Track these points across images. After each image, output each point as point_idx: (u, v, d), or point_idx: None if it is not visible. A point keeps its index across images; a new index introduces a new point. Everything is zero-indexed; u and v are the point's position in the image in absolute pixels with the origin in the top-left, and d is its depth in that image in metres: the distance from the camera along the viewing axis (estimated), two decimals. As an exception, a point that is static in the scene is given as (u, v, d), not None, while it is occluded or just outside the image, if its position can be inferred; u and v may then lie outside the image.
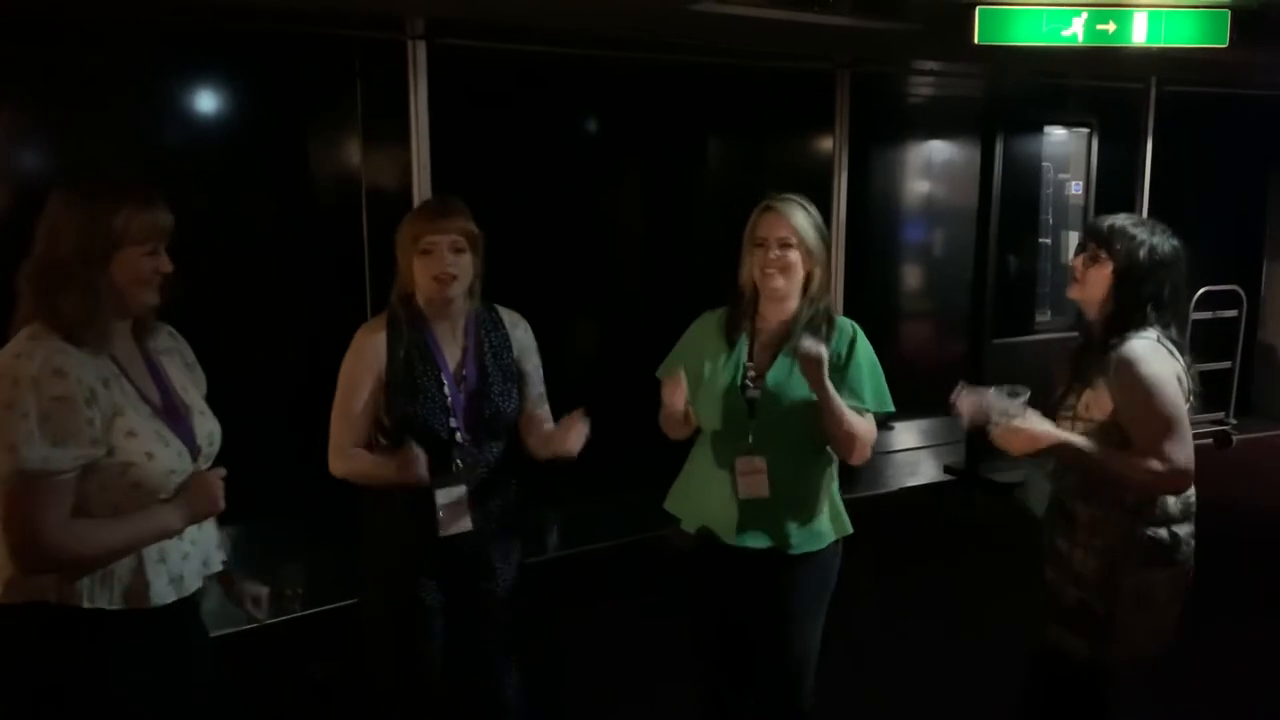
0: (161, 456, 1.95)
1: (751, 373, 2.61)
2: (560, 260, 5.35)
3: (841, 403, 2.52)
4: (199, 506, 2.01)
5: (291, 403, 4.40)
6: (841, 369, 2.59)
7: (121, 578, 1.94)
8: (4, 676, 1.92)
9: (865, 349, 2.63)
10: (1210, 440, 6.94)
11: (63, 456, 1.82)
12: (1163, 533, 2.44)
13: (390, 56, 4.57)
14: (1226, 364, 7.00)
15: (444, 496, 2.48)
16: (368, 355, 2.51)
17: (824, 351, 2.45)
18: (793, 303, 2.62)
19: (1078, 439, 2.41)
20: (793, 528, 2.61)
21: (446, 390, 2.50)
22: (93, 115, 4.32)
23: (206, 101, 4.75)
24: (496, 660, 2.71)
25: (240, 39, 4.51)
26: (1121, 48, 4.56)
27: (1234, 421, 7.07)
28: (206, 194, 4.60)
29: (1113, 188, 7.10)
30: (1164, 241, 2.44)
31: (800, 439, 2.59)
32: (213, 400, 2.25)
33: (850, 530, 2.71)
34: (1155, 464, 2.34)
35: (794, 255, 2.56)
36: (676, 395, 2.52)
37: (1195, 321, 6.74)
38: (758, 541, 2.61)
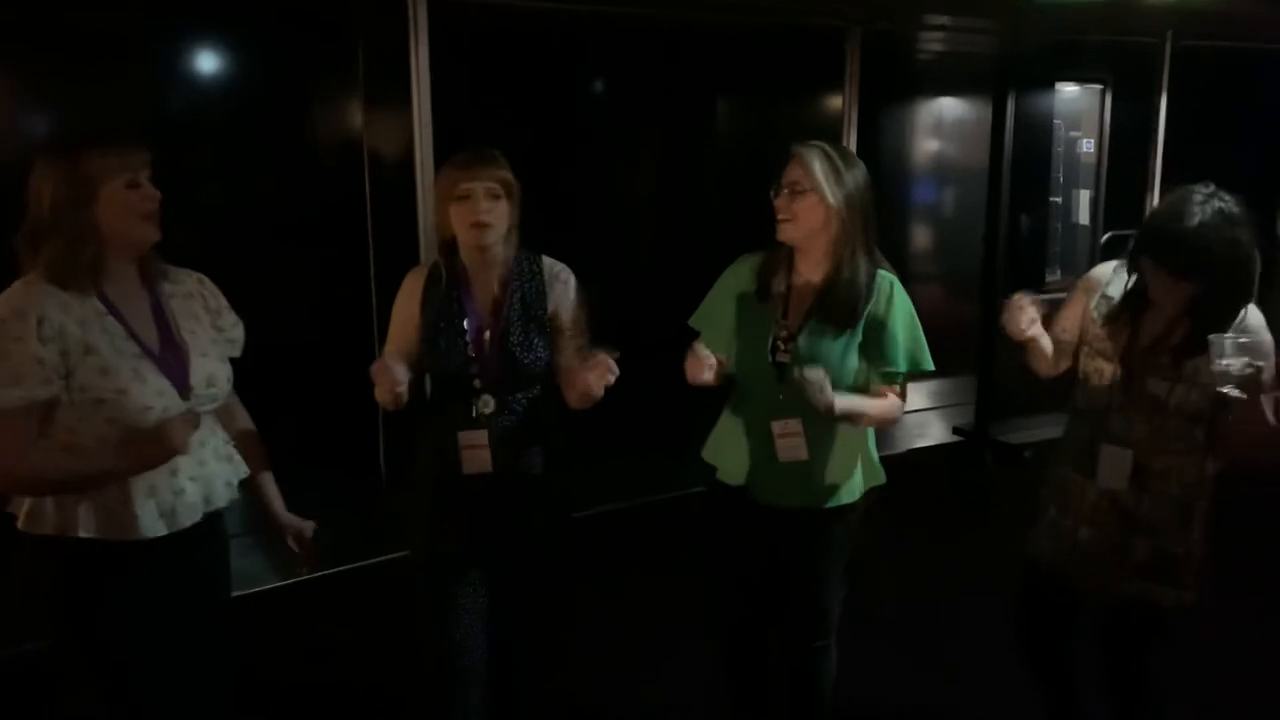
0: (136, 394, 2.07)
1: (784, 333, 2.55)
2: (566, 219, 5.29)
3: (858, 405, 2.48)
4: (150, 450, 2.08)
5: (296, 363, 4.38)
6: (874, 336, 2.52)
7: (111, 510, 2.09)
8: (31, 598, 2.14)
9: (902, 307, 2.55)
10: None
11: (8, 395, 1.98)
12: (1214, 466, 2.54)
13: (391, 14, 4.48)
14: (1239, 323, 6.92)
15: (465, 438, 2.52)
16: (405, 297, 2.61)
17: (821, 377, 2.38)
18: (819, 258, 2.53)
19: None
20: (827, 484, 2.60)
21: (469, 339, 2.52)
22: (92, 80, 4.25)
23: (206, 63, 4.68)
24: (529, 614, 2.71)
25: (239, 1, 4.44)
26: (1138, 0, 4.46)
27: (1246, 381, 7.01)
28: (207, 157, 4.55)
29: (1125, 146, 6.99)
30: (1242, 233, 2.30)
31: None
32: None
33: (883, 480, 2.71)
34: None
35: (803, 202, 2.47)
36: (699, 372, 2.46)
37: (1208, 281, 6.66)
38: (791, 500, 2.60)
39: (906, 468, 5.38)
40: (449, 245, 2.58)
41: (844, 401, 2.44)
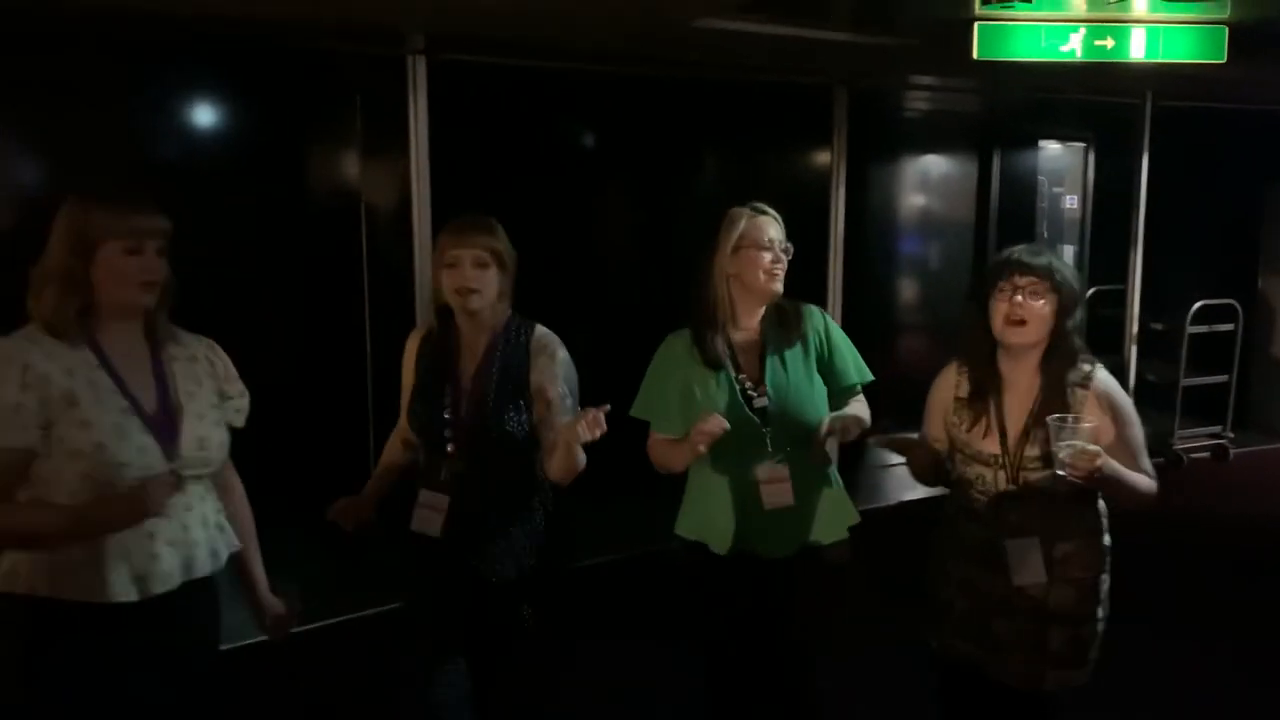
0: (114, 450, 1.99)
1: (749, 383, 2.63)
2: (559, 274, 5.36)
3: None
4: (120, 510, 1.98)
5: (293, 415, 4.40)
6: (827, 359, 2.69)
7: (77, 570, 1.98)
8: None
9: (837, 329, 2.75)
10: (1207, 453, 6.95)
11: None
12: (1109, 539, 2.56)
13: (390, 72, 4.58)
14: (1223, 377, 7.01)
15: (425, 497, 2.59)
16: (405, 357, 2.70)
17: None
18: (759, 306, 2.70)
19: (1115, 463, 2.38)
20: (819, 522, 2.67)
21: (448, 400, 2.55)
22: (91, 131, 4.31)
23: (206, 117, 4.75)
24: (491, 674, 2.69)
25: (240, 54, 4.52)
26: (1119, 63, 4.58)
27: (1231, 435, 7.08)
28: (206, 210, 4.59)
29: (1108, 202, 7.12)
30: (1073, 269, 2.54)
31: (809, 433, 2.61)
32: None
33: (858, 518, 2.75)
34: (1150, 480, 2.47)
35: (787, 258, 2.67)
36: (715, 426, 2.46)
37: (1192, 335, 6.76)
38: (791, 546, 2.65)
39: (895, 521, 5.40)
40: (444, 308, 2.61)
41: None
